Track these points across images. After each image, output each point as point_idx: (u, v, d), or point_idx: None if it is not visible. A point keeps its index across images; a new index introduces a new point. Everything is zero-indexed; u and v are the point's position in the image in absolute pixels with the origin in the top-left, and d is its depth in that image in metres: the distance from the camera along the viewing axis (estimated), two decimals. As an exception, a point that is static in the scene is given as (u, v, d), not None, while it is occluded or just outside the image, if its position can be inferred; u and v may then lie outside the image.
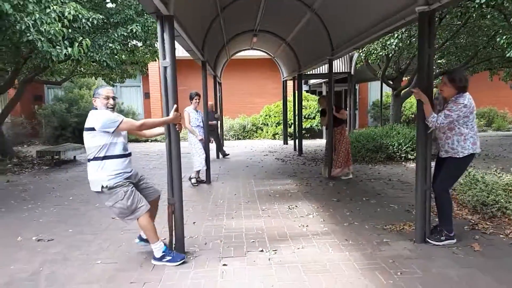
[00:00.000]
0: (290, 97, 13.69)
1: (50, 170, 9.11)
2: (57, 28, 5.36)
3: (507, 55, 6.07)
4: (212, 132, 10.54)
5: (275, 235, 4.39)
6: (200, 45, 6.94)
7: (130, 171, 3.66)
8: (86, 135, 3.46)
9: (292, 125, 13.68)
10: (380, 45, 8.44)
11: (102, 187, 3.43)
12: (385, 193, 6.26)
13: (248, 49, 12.83)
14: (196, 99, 7.18)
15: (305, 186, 6.95)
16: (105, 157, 3.44)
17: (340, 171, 7.38)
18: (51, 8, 5.39)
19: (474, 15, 6.47)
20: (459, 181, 5.51)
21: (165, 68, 3.71)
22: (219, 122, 11.31)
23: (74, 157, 10.55)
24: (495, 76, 11.62)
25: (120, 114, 3.62)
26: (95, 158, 3.44)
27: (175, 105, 3.71)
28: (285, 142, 14.03)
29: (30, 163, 9.80)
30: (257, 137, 16.64)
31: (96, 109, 3.52)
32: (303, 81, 19.07)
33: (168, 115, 3.72)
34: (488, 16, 6.53)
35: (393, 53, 8.38)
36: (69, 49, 5.69)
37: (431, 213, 4.01)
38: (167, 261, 3.64)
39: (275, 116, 16.24)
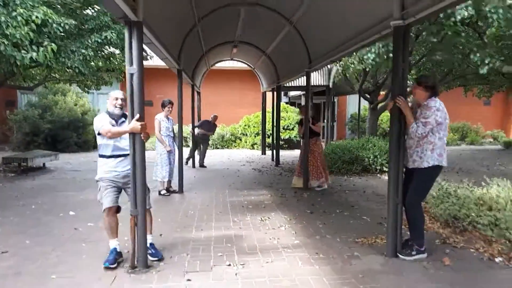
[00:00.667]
0: (269, 108, 13.67)
1: (16, 178, 8.75)
2: (23, 32, 5.16)
3: (481, 72, 6.17)
4: (204, 142, 10.94)
5: (244, 248, 4.26)
6: (176, 53, 6.84)
7: (121, 171, 3.86)
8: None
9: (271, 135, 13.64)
10: (357, 59, 8.51)
11: (96, 179, 3.92)
12: (359, 205, 6.22)
13: (228, 59, 12.80)
14: (169, 107, 7.03)
15: (279, 197, 6.86)
16: (100, 155, 3.88)
17: (316, 181, 7.35)
18: (18, 11, 5.19)
19: (449, 32, 6.58)
20: (431, 194, 5.52)
21: (132, 75, 3.59)
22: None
23: (44, 164, 10.18)
24: (469, 92, 11.92)
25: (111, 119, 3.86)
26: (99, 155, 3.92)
27: (137, 115, 3.58)
28: (263, 153, 13.97)
29: (-4, 170, 9.40)
30: (235, 146, 16.53)
31: (107, 111, 3.91)
32: (282, 93, 19.19)
33: (144, 121, 3.62)
34: (463, 34, 6.66)
35: (370, 67, 8.45)
36: (34, 54, 5.48)
37: (402, 226, 3.96)
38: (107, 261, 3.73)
39: (254, 126, 16.19)
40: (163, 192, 7.02)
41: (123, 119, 3.90)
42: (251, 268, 3.71)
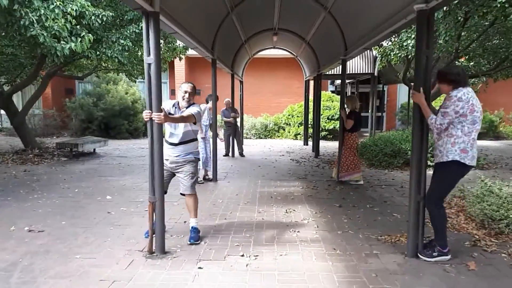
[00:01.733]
0: (312, 97, 13.42)
1: (67, 162, 9.36)
2: (60, 24, 5.47)
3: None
4: (229, 129, 10.61)
5: (262, 239, 4.25)
6: (210, 43, 6.88)
7: (168, 158, 4.11)
8: None
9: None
10: (397, 46, 8.07)
11: None
12: (392, 200, 5.96)
13: (271, 47, 12.69)
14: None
15: (311, 189, 6.75)
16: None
17: (346, 175, 7.09)
18: (55, 4, 5.51)
19: (497, 15, 6.03)
20: (471, 191, 5.15)
21: (149, 65, 3.66)
22: (238, 120, 11.20)
23: (94, 149, 10.79)
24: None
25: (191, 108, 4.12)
26: None
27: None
28: (305, 143, 13.79)
29: (51, 154, 10.10)
30: (278, 136, 16.47)
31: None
32: (329, 81, 18.77)
33: (151, 111, 3.69)
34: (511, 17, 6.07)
35: (412, 54, 7.98)
36: (73, 44, 5.79)
37: (424, 225, 3.74)
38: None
39: (298, 116, 16.00)
40: (207, 177, 7.28)
41: (184, 108, 4.14)
42: (263, 260, 3.69)
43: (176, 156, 4.12)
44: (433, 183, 3.61)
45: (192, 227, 4.23)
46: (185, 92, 4.12)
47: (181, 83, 4.30)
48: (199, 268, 3.51)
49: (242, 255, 3.79)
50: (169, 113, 4.00)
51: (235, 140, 10.90)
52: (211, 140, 7.39)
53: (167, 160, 4.09)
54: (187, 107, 4.12)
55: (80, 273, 3.38)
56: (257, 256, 3.78)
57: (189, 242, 4.09)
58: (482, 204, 4.65)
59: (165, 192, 4.11)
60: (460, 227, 4.60)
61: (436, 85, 3.67)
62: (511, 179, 5.30)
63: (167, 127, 4.15)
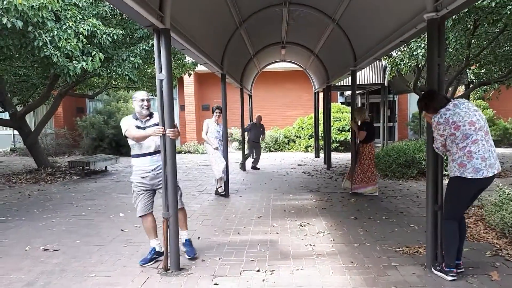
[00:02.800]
0: (322, 109, 13.40)
1: (80, 180, 9.42)
2: (72, 44, 5.58)
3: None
4: (257, 146, 11.17)
5: (278, 254, 4.19)
6: (219, 58, 6.94)
7: (149, 170, 3.97)
8: None
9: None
10: (407, 55, 8.04)
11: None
12: (408, 211, 5.86)
13: (279, 61, 12.76)
14: (217, 112, 7.19)
15: (325, 202, 6.67)
16: (132, 155, 4.07)
17: (360, 187, 6.99)
18: (67, 25, 5.63)
19: (507, 22, 5.99)
20: (490, 200, 5.04)
21: (161, 81, 3.68)
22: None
23: (106, 167, 10.86)
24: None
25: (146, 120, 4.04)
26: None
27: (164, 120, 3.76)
28: (317, 155, 13.71)
29: (63, 173, 10.19)
30: (289, 149, 16.41)
31: (134, 113, 4.08)
32: (338, 92, 18.75)
33: (164, 127, 3.71)
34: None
35: (422, 63, 7.95)
36: (84, 63, 5.88)
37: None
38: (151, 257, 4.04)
39: (308, 128, 15.95)
40: (220, 190, 7.27)
41: (148, 117, 4.05)
42: (280, 275, 3.63)
43: (156, 170, 3.97)
44: (445, 197, 3.49)
45: (186, 240, 4.24)
46: (143, 100, 3.94)
47: (136, 93, 4.06)
48: (215, 284, 3.46)
49: (258, 270, 3.73)
50: (138, 127, 3.95)
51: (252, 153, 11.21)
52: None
53: (145, 177, 3.98)
54: (150, 115, 4.05)
55: (95, 292, 3.36)
56: (273, 271, 3.72)
57: (188, 257, 4.09)
58: (501, 212, 4.55)
59: (152, 211, 4.13)
60: (480, 236, 4.49)
61: (449, 93, 3.63)
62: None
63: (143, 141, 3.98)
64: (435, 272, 3.49)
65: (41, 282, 3.56)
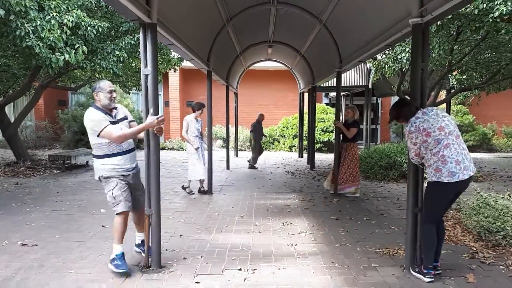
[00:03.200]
0: (307, 109, 13.48)
1: (60, 174, 9.25)
2: (56, 35, 5.46)
3: (524, 72, 5.69)
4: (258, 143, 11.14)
5: (259, 253, 4.20)
6: (205, 55, 6.91)
7: (130, 169, 3.74)
8: (88, 132, 3.65)
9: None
10: (392, 59, 8.16)
11: (100, 176, 3.65)
12: (389, 213, 5.95)
13: (266, 60, 12.77)
14: (201, 110, 7.14)
15: (307, 202, 6.72)
16: (102, 155, 3.61)
17: (346, 187, 7.08)
18: (51, 15, 5.51)
19: (489, 30, 6.13)
20: (468, 203, 5.16)
21: (146, 76, 3.64)
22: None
23: (87, 162, 10.68)
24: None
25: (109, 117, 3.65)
26: (94, 155, 3.68)
27: (151, 109, 3.62)
28: (300, 155, 13.80)
29: (43, 167, 9.98)
30: (273, 149, 16.46)
31: (96, 106, 3.63)
32: (323, 93, 18.90)
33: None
34: (503, 31, 6.18)
35: (406, 67, 8.08)
36: (67, 55, 5.77)
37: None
38: (113, 265, 3.63)
39: (292, 128, 16.02)
40: (187, 190, 7.23)
41: (115, 111, 3.73)
42: (261, 274, 3.64)
43: (136, 169, 3.82)
44: (424, 199, 3.57)
45: (142, 241, 4.03)
46: (111, 91, 3.60)
47: (103, 84, 3.64)
48: (196, 282, 3.45)
49: (240, 269, 3.73)
50: (112, 122, 3.59)
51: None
52: (206, 151, 7.35)
53: (127, 176, 3.71)
54: (116, 108, 3.74)
55: (74, 288, 3.31)
56: (254, 270, 3.73)
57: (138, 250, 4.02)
58: (478, 216, 4.67)
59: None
60: (457, 239, 4.59)
61: (431, 97, 3.69)
62: (506, 191, 5.31)
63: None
64: (414, 273, 3.56)
65: (18, 278, 3.49)
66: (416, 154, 3.47)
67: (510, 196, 5.03)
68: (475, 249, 4.21)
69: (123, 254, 3.68)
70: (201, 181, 7.26)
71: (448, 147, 3.30)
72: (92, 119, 3.54)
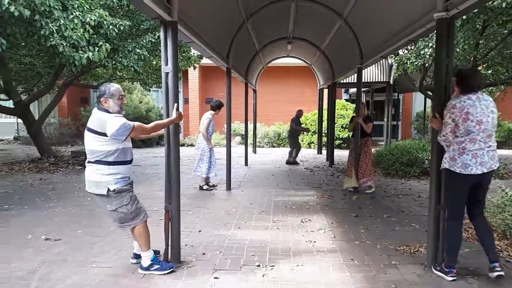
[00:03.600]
0: (327, 106, 13.36)
1: (82, 170, 9.35)
2: (79, 34, 5.57)
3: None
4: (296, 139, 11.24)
5: (278, 249, 4.20)
6: (225, 52, 6.92)
7: (130, 178, 3.57)
8: (92, 138, 3.27)
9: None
10: (414, 54, 8.00)
11: (109, 190, 3.30)
12: (410, 210, 5.85)
13: (285, 56, 12.71)
14: (220, 109, 7.18)
15: (326, 198, 6.67)
16: (114, 162, 3.32)
17: (368, 180, 7.02)
18: (74, 14, 5.62)
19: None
20: (492, 201, 5.02)
21: (167, 74, 3.67)
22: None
23: (108, 158, 10.87)
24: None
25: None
26: (100, 162, 3.30)
27: (176, 104, 3.65)
28: (319, 152, 13.70)
29: (66, 163, 10.22)
30: (292, 145, 16.37)
31: (107, 110, 3.31)
32: (343, 89, 18.69)
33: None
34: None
35: (429, 62, 7.90)
36: (90, 54, 5.88)
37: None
38: (155, 269, 3.56)
39: (311, 125, 15.90)
40: (205, 187, 7.25)
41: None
42: (280, 270, 3.64)
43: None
44: (444, 195, 3.50)
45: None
46: (123, 97, 3.43)
47: (113, 87, 3.38)
48: (215, 278, 3.47)
49: (258, 265, 3.74)
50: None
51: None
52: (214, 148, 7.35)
53: (131, 181, 3.55)
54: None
55: (96, 282, 3.38)
56: (273, 266, 3.73)
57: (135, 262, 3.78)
58: (503, 214, 4.54)
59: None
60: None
61: (455, 93, 3.55)
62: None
63: (129, 144, 3.47)
64: (435, 271, 3.49)
65: (42, 271, 3.58)
66: (452, 132, 3.27)
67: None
68: (499, 247, 4.10)
69: (156, 255, 3.66)
70: (207, 178, 7.30)
71: (473, 142, 3.21)
72: (119, 123, 3.22)
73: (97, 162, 3.32)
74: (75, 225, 5.02)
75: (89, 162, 3.39)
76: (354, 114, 7.20)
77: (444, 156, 3.36)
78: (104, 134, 3.23)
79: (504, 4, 5.66)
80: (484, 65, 9.23)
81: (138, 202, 3.54)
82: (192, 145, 16.16)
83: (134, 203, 3.46)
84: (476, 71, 3.34)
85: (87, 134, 3.33)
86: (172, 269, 3.59)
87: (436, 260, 3.57)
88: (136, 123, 3.38)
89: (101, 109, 3.34)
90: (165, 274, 3.53)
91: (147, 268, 3.57)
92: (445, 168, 3.34)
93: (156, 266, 3.57)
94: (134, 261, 3.81)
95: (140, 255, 3.71)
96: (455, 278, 3.36)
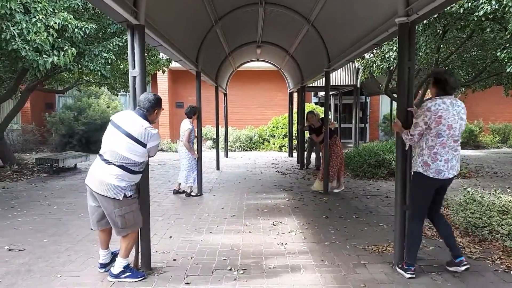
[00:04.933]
0: (297, 109, 13.51)
1: (48, 178, 9.14)
2: (42, 38, 5.40)
3: (507, 70, 5.79)
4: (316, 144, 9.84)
5: (250, 253, 4.21)
6: (194, 56, 6.89)
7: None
8: (126, 142, 3.24)
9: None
10: (379, 58, 8.25)
11: (125, 196, 3.31)
12: (378, 211, 6.00)
13: (255, 60, 12.78)
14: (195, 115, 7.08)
15: (297, 201, 6.74)
16: (136, 172, 3.38)
17: (332, 183, 7.23)
18: (37, 17, 5.45)
19: (475, 28, 6.25)
20: (455, 200, 5.23)
21: (134, 78, 3.63)
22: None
23: (75, 165, 10.58)
24: (511, 91, 11.12)
25: None
26: (124, 168, 3.27)
27: None
28: (290, 155, 13.83)
29: (30, 171, 9.86)
30: (263, 148, 16.47)
31: (146, 118, 3.39)
32: (312, 93, 18.97)
33: None
34: (488, 30, 6.28)
35: (394, 65, 8.17)
36: (55, 58, 5.71)
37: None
38: (126, 277, 3.49)
39: (282, 128, 16.05)
40: (193, 193, 7.15)
41: None
42: (251, 274, 3.65)
43: None
44: (410, 195, 3.60)
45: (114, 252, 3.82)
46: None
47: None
48: (186, 283, 3.44)
49: (230, 269, 3.74)
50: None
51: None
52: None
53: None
54: None
55: (63, 293, 3.28)
56: (245, 270, 3.73)
57: (103, 270, 3.70)
58: (465, 212, 4.74)
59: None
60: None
61: (418, 96, 3.70)
62: (492, 187, 5.40)
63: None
64: (398, 269, 3.60)
65: (5, 283, 3.45)
66: (420, 134, 3.36)
67: (496, 192, 5.11)
68: (462, 244, 4.27)
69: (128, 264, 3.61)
70: (179, 184, 7.26)
71: (443, 147, 3.33)
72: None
73: (120, 167, 3.27)
74: (40, 234, 4.85)
75: (108, 162, 3.28)
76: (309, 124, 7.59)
77: (417, 160, 3.43)
78: (143, 145, 3.30)
79: (461, 10, 5.94)
80: (445, 68, 9.61)
81: (138, 211, 3.53)
82: (162, 149, 15.95)
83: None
84: (451, 73, 3.45)
85: (120, 136, 3.27)
86: (143, 277, 3.53)
87: (403, 258, 3.68)
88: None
89: (142, 116, 3.38)
90: (135, 281, 3.47)
91: (118, 276, 3.49)
92: (418, 171, 3.42)
93: (128, 273, 3.50)
94: (102, 270, 3.71)
95: (106, 264, 3.68)
96: (414, 276, 3.46)
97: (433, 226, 4.38)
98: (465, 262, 3.47)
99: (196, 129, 7.16)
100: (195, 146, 7.10)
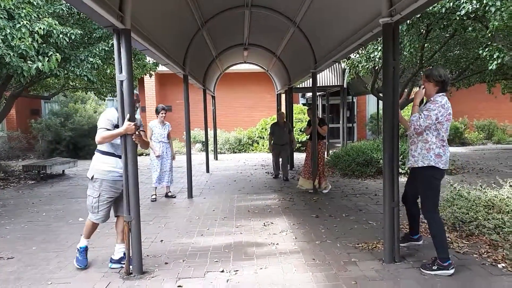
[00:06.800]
0: (285, 110, 13.56)
1: (35, 185, 9.03)
2: (27, 43, 5.35)
3: (489, 68, 5.92)
4: (283, 150, 9.14)
5: (241, 254, 4.23)
6: (181, 59, 6.89)
7: (121, 175, 3.74)
8: None
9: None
10: (365, 58, 8.35)
11: (93, 176, 3.80)
12: (367, 209, 6.07)
13: (242, 62, 12.79)
14: (162, 113, 7.01)
15: (287, 201, 6.78)
16: (99, 150, 3.85)
17: (323, 181, 7.38)
18: (21, 23, 5.40)
19: (457, 27, 6.38)
20: (442, 196, 5.32)
21: (121, 82, 3.62)
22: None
23: (63, 171, 10.47)
24: (494, 88, 11.37)
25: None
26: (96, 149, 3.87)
27: (128, 115, 3.60)
28: (280, 156, 13.84)
29: (17, 178, 9.73)
30: (252, 150, 16.50)
31: None
32: (300, 94, 19.07)
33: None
34: (470, 29, 6.43)
35: (379, 65, 8.27)
36: (40, 64, 5.66)
37: (399, 230, 3.83)
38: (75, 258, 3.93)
39: (271, 129, 16.09)
40: (153, 197, 7.13)
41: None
42: (243, 274, 3.67)
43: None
44: (420, 193, 3.68)
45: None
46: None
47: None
48: (179, 286, 3.45)
49: (222, 271, 3.75)
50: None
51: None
52: (169, 155, 7.22)
53: (118, 182, 3.83)
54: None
55: (54, 299, 3.25)
56: (237, 271, 3.75)
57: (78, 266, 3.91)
58: (452, 207, 4.83)
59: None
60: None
61: (404, 95, 3.80)
62: (478, 183, 5.51)
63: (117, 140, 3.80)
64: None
65: (-6, 292, 3.41)
66: (426, 127, 3.51)
67: (482, 187, 5.23)
68: (450, 239, 4.35)
69: (86, 248, 3.94)
70: (167, 187, 7.26)
71: (445, 141, 3.59)
72: (104, 116, 3.81)
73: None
74: (29, 242, 4.80)
75: None
76: (309, 118, 7.51)
77: (428, 154, 3.53)
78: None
79: (443, 10, 6.05)
80: (430, 67, 9.76)
81: (104, 206, 3.85)
82: (148, 154, 15.85)
83: (99, 202, 3.83)
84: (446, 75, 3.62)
85: None
86: (81, 268, 3.87)
87: (393, 255, 3.73)
88: (101, 130, 3.77)
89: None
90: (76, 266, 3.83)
91: (118, 261, 3.82)
92: (430, 165, 3.52)
93: (76, 255, 3.93)
94: (116, 266, 3.93)
95: (116, 260, 3.95)
96: (454, 268, 3.45)
97: (421, 222, 4.48)
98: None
99: (163, 131, 7.08)
100: (158, 145, 7.00)
